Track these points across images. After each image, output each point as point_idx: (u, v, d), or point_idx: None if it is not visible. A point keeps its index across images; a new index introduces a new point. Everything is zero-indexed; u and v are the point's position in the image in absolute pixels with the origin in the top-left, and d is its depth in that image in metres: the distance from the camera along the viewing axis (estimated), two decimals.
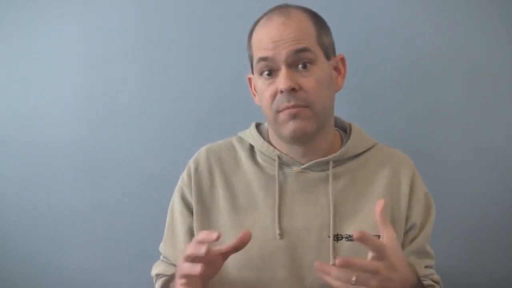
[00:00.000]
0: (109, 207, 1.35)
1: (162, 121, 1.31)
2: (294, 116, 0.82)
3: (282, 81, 0.81)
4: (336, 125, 0.96)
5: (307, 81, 0.82)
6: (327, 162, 0.88)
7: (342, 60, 0.91)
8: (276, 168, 0.89)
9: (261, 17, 0.88)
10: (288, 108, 0.82)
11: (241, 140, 0.96)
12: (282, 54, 0.81)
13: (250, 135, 0.94)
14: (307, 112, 0.82)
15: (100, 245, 1.36)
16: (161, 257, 0.99)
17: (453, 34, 1.19)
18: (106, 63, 1.32)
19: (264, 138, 0.92)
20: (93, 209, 1.36)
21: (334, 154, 0.88)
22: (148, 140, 1.32)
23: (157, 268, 0.98)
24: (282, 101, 0.82)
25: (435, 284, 0.92)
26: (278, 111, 0.83)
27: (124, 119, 1.33)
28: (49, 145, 1.36)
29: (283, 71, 0.81)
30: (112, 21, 1.31)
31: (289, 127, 0.83)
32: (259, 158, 0.92)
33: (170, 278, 0.87)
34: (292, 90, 0.81)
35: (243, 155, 0.93)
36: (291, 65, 0.82)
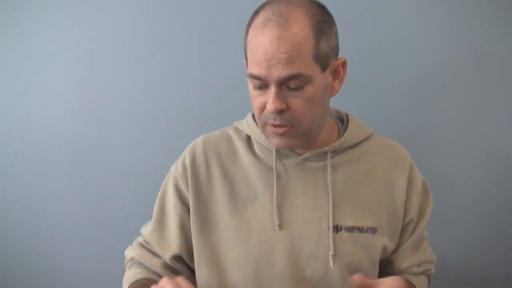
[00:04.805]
0: (108, 208, 1.34)
1: (162, 124, 1.31)
2: (279, 134, 0.81)
3: (270, 101, 0.78)
4: (332, 115, 0.94)
5: (296, 102, 0.79)
6: (325, 153, 0.88)
7: (343, 63, 0.85)
8: (274, 158, 0.88)
9: (260, 9, 0.81)
10: (274, 126, 0.80)
11: (237, 130, 0.94)
12: (274, 76, 0.76)
13: (247, 125, 0.92)
14: (292, 131, 0.81)
15: (98, 247, 1.36)
16: (141, 240, 0.96)
17: (455, 35, 1.20)
18: (104, 65, 1.31)
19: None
20: (91, 211, 1.35)
21: (332, 144, 0.88)
22: (148, 142, 1.31)
23: (133, 251, 0.95)
24: (269, 117, 0.80)
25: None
26: (265, 123, 0.82)
27: (123, 120, 1.32)
28: (46, 147, 1.34)
29: (272, 91, 0.78)
30: (111, 23, 1.30)
31: (274, 141, 0.83)
32: (256, 149, 0.91)
33: (147, 283, 0.86)
34: (280, 111, 0.79)
35: (240, 147, 0.92)
36: (282, 84, 0.78)
